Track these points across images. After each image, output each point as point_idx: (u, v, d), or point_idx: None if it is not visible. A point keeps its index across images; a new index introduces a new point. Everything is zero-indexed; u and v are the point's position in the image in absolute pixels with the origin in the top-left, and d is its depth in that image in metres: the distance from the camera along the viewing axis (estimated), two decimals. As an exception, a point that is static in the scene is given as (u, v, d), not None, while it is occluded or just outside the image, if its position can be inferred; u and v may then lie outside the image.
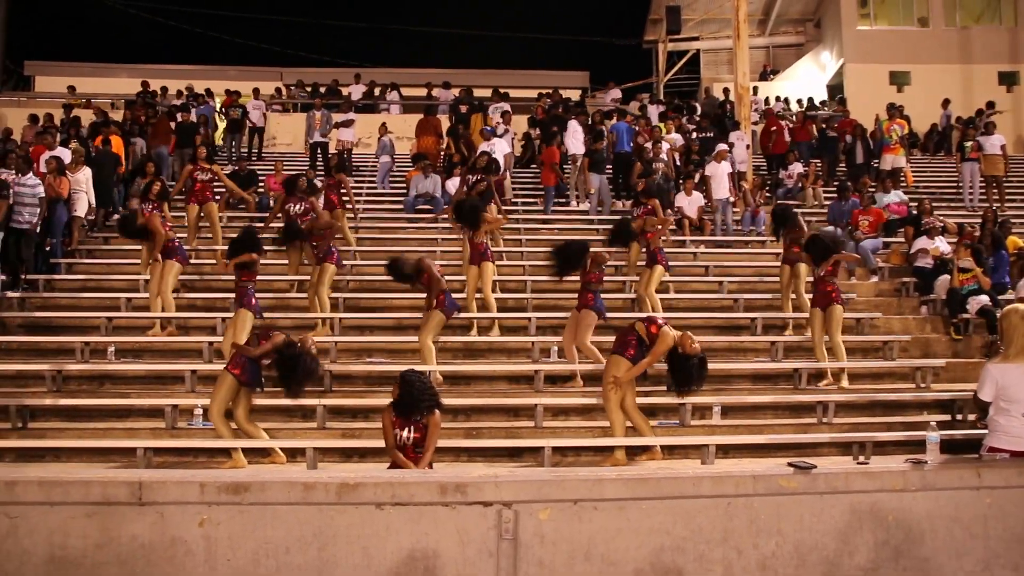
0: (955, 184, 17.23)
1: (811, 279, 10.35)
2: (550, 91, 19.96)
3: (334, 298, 10.95)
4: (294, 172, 14.57)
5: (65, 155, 12.81)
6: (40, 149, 13.48)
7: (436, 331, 9.39)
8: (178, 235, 11.42)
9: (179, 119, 17.12)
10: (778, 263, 11.63)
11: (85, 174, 12.75)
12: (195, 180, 13.12)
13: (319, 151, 17.37)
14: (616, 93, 22.97)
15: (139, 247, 11.25)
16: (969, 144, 16.33)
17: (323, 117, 17.66)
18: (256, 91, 20.06)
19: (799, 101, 23.89)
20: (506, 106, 18.15)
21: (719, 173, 14.43)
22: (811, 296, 10.15)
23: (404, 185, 15.71)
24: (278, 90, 23.65)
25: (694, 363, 7.60)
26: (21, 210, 10.83)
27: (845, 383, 9.67)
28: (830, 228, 13.54)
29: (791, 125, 18.44)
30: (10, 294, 10.96)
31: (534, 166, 17.62)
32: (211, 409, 7.61)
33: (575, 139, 15.15)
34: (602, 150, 14.90)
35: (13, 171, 11.28)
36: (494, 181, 13.35)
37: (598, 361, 9.00)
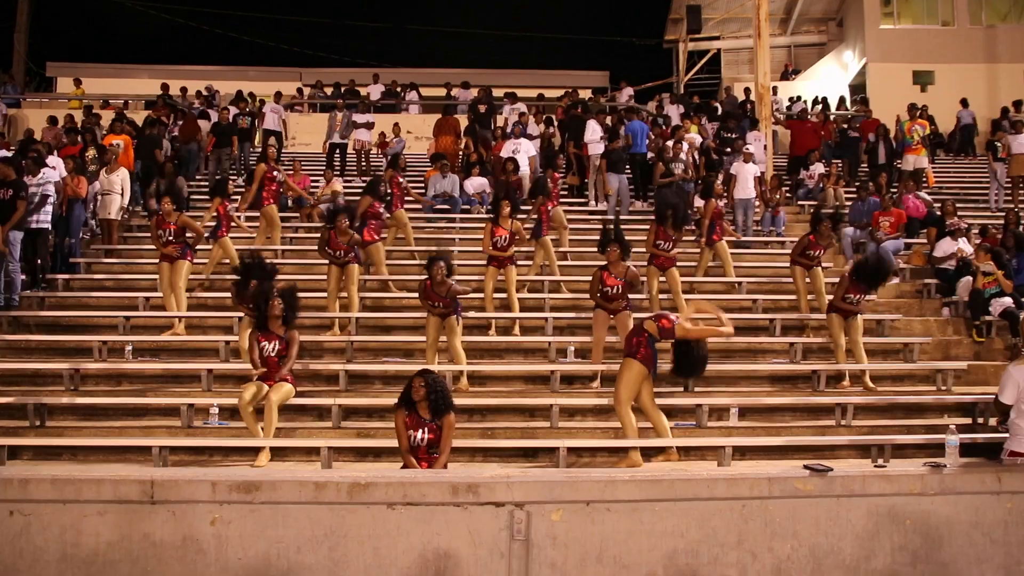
0: (978, 185, 16.97)
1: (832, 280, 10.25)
2: (567, 91, 19.82)
3: (345, 297, 10.90)
4: (312, 172, 14.50)
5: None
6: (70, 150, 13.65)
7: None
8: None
9: (219, 120, 17.17)
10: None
11: (120, 175, 12.81)
12: (272, 180, 12.75)
13: (337, 152, 17.42)
14: (629, 92, 22.83)
15: (155, 246, 11.25)
16: (1000, 144, 16.09)
17: (344, 118, 17.68)
18: (278, 94, 19.88)
19: (815, 99, 23.67)
20: (523, 107, 18.08)
21: (745, 173, 14.31)
22: (830, 298, 10.05)
23: (421, 185, 15.69)
24: (299, 90, 23.73)
25: (701, 354, 7.62)
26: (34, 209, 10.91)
27: (869, 383, 9.55)
28: (861, 237, 13.33)
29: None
30: (29, 293, 11.04)
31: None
32: (274, 403, 7.65)
33: (593, 139, 15.08)
34: (619, 150, 14.81)
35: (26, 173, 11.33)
36: (513, 181, 13.33)
37: None
